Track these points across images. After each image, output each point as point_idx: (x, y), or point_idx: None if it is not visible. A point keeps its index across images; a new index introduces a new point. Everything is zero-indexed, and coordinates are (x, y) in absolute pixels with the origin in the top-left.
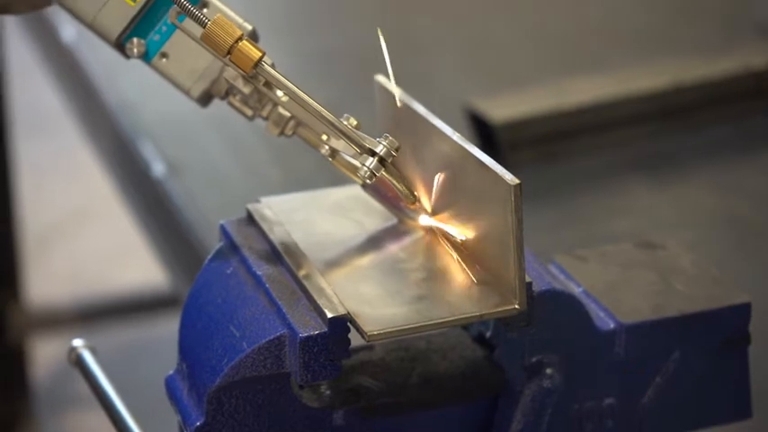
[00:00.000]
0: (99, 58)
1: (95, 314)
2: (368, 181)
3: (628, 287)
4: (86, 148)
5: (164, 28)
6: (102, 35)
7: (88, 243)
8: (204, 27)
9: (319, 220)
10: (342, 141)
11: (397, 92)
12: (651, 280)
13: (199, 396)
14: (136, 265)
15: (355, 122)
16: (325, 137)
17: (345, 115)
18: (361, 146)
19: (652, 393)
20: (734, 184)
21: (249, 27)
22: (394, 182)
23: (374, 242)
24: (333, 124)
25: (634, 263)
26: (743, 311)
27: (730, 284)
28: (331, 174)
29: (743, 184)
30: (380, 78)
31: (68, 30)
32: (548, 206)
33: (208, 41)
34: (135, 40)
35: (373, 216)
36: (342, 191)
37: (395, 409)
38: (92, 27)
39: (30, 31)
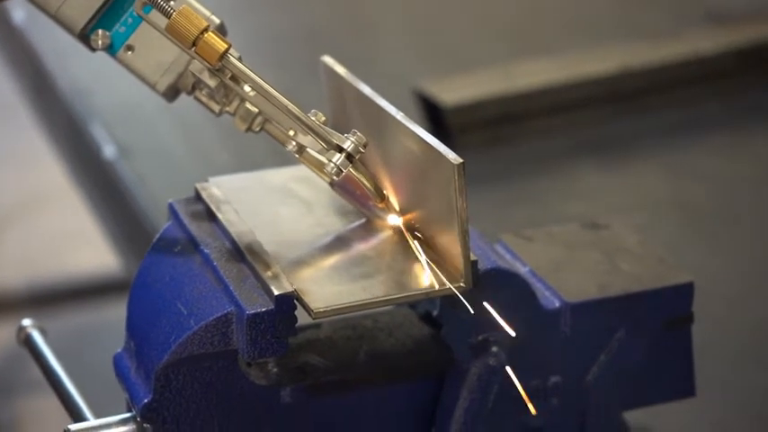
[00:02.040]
0: (50, 41)
1: (47, 298)
2: (335, 177)
3: (573, 267)
4: (38, 131)
5: (129, 20)
6: (67, 26)
7: (40, 227)
8: (169, 18)
9: (267, 199)
10: (309, 137)
11: (342, 72)
12: (596, 260)
13: (146, 373)
14: (88, 248)
15: (323, 118)
16: (292, 132)
17: (313, 111)
18: (328, 141)
19: (597, 371)
20: (683, 168)
21: (217, 20)
22: (362, 179)
23: (321, 221)
24: (299, 119)
25: (580, 243)
26: (686, 291)
27: (674, 264)
28: (281, 157)
29: (692, 167)
30: (327, 59)
31: (19, 12)
32: (497, 189)
33: (172, 32)
34: (100, 31)
35: (321, 196)
36: (289, 171)
37: (342, 387)
38: (56, 18)
39: None
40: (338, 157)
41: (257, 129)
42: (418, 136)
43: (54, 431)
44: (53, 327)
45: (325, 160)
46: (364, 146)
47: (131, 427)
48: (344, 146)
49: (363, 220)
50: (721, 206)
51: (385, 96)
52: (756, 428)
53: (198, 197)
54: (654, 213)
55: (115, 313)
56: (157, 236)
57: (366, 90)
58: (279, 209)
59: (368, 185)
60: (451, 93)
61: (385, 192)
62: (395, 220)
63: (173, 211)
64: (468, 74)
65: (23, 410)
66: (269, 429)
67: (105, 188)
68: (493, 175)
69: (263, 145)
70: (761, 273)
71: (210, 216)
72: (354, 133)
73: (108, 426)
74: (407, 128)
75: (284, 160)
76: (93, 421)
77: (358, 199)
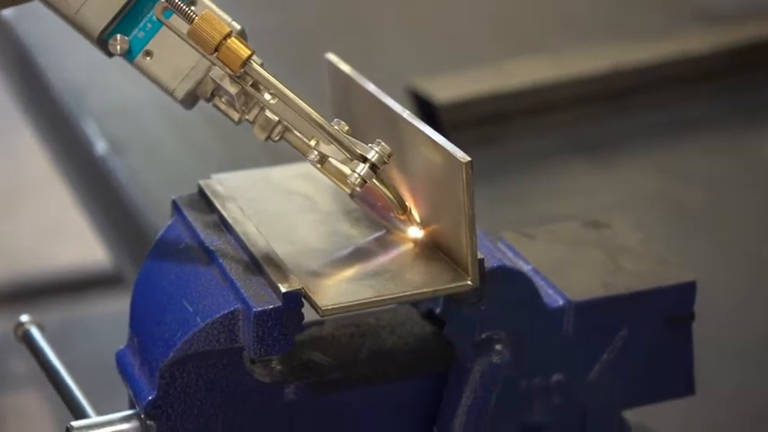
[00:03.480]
0: (41, 34)
1: (35, 292)
2: (357, 189)
3: (576, 265)
4: (26, 125)
5: (149, 25)
6: (85, 31)
7: (27, 221)
8: (191, 23)
9: (272, 196)
10: (332, 146)
11: (347, 70)
12: (599, 258)
13: (151, 371)
14: (76, 243)
15: (347, 127)
16: (314, 142)
17: (336, 120)
18: (352, 151)
19: (599, 370)
20: (673, 167)
21: (238, 27)
22: (385, 190)
23: (327, 218)
24: (323, 128)
25: (581, 241)
26: (688, 290)
27: (676, 263)
28: (274, 154)
29: (682, 166)
30: (331, 56)
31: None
32: (489, 187)
33: (195, 38)
34: (118, 36)
35: (325, 193)
36: (293, 168)
37: (345, 384)
38: (74, 22)
39: None
40: (362, 168)
41: (277, 138)
42: (425, 134)
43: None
44: (42, 321)
45: (348, 170)
46: (389, 156)
47: (135, 423)
48: (369, 156)
49: (369, 219)
50: (711, 205)
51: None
52: (755, 428)
53: (201, 194)
54: (644, 212)
55: (104, 308)
56: (161, 233)
57: (371, 88)
58: (284, 206)
59: (391, 197)
60: (444, 90)
61: (407, 203)
62: (416, 232)
63: (176, 208)
64: (460, 71)
65: (5, 406)
66: (273, 426)
67: (96, 183)
68: (484, 173)
69: (256, 141)
70: (752, 272)
71: (215, 213)
72: (379, 143)
73: (111, 423)
74: (414, 126)
75: (276, 156)
76: (95, 418)
77: (378, 210)
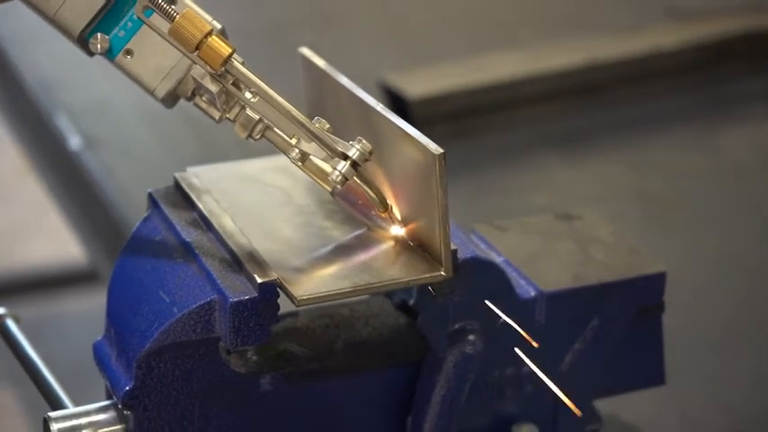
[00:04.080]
0: (14, 30)
1: (9, 287)
2: (338, 186)
3: (547, 257)
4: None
5: (129, 24)
6: (65, 30)
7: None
8: (172, 21)
9: (247, 188)
10: (313, 144)
11: (321, 64)
12: (570, 250)
13: (128, 361)
14: (50, 239)
15: (327, 125)
16: (294, 140)
17: (317, 118)
18: (333, 149)
19: (570, 360)
20: (645, 161)
21: (219, 26)
22: (366, 188)
23: (301, 210)
24: (304, 125)
25: (553, 233)
26: (658, 280)
27: (646, 254)
28: (247, 149)
29: (654, 160)
30: (305, 51)
31: None
32: (463, 181)
33: (175, 36)
34: (99, 35)
35: (300, 186)
36: (268, 161)
37: (320, 375)
38: (54, 21)
39: None
40: (343, 165)
41: (258, 136)
42: (399, 127)
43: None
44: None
45: (329, 168)
46: (370, 153)
47: (112, 414)
48: (350, 154)
49: (344, 210)
50: (683, 197)
51: None
52: (723, 416)
53: (177, 187)
54: (617, 204)
55: (79, 305)
56: (137, 225)
57: (345, 81)
58: (259, 198)
59: (372, 194)
60: (417, 85)
61: (388, 201)
62: (397, 230)
63: (152, 201)
64: (433, 66)
65: None
66: (249, 416)
67: (70, 179)
68: (458, 168)
69: (229, 136)
70: (722, 263)
71: (191, 205)
72: (360, 141)
73: (88, 413)
74: (387, 119)
75: (250, 151)
76: (73, 409)
77: (360, 208)
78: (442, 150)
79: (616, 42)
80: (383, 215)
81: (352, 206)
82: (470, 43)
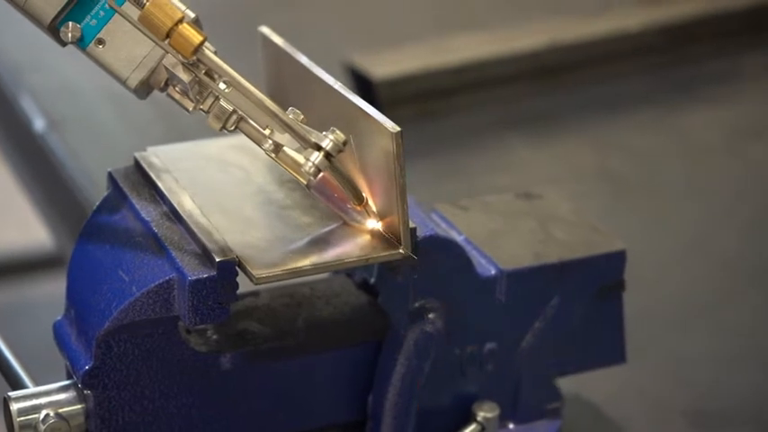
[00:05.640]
0: None
1: None
2: (312, 178)
3: (508, 235)
4: None
5: (101, 12)
6: (36, 18)
7: None
8: (142, 9)
9: (206, 168)
10: (286, 135)
11: (279, 42)
12: (531, 228)
13: (87, 341)
14: (15, 222)
15: (302, 116)
16: (268, 131)
17: (290, 108)
18: (306, 140)
19: (531, 338)
20: (609, 142)
21: (192, 15)
22: (340, 180)
23: (261, 189)
24: (276, 116)
25: (514, 212)
26: (618, 258)
27: (606, 232)
28: (213, 130)
29: (618, 141)
30: (264, 29)
31: None
32: (428, 162)
33: (146, 23)
34: (70, 24)
35: (260, 164)
36: (229, 140)
37: (281, 354)
38: (24, 10)
39: None
40: (316, 156)
41: (232, 128)
42: (356, 105)
43: None
44: None
45: (302, 159)
46: (344, 144)
47: (72, 393)
48: (323, 144)
49: (303, 189)
50: (646, 178)
51: None
52: (683, 394)
53: (137, 166)
54: (581, 186)
55: (44, 289)
56: (97, 204)
57: (303, 60)
58: (219, 177)
59: (346, 186)
60: (381, 66)
61: (364, 195)
62: (373, 224)
63: (112, 180)
64: (399, 48)
65: None
66: (209, 395)
67: (35, 162)
68: (422, 149)
69: (195, 118)
70: (685, 243)
71: (150, 184)
72: (333, 131)
73: (48, 393)
74: (346, 98)
75: (216, 134)
76: (33, 389)
77: (335, 202)
78: (398, 128)
79: (581, 24)
80: (359, 208)
81: (329, 200)
82: (436, 25)
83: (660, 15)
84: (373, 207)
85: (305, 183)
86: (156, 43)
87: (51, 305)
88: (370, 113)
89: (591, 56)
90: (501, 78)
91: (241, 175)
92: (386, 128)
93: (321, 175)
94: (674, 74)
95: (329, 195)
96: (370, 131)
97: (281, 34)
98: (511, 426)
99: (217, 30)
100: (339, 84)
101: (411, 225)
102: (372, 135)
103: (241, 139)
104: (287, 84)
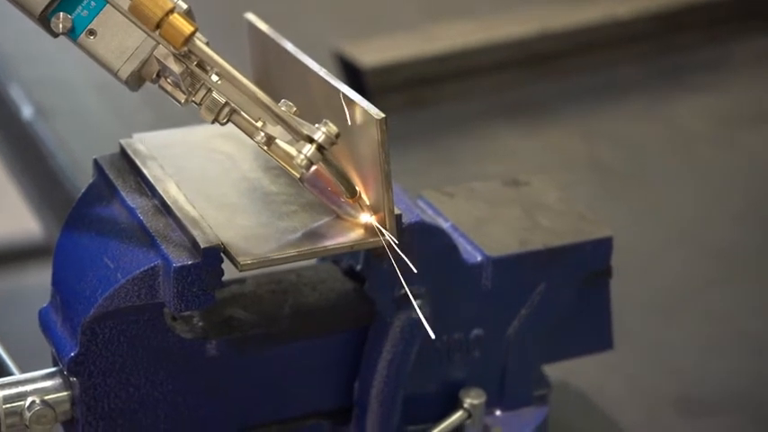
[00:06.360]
0: None
1: None
2: (304, 171)
3: (495, 222)
4: None
5: (92, 3)
6: (27, 9)
7: None
8: None
9: (192, 155)
10: (278, 128)
11: (265, 29)
12: (517, 215)
13: (73, 327)
14: (3, 211)
15: (294, 108)
16: (260, 123)
17: (283, 100)
18: (298, 132)
19: (518, 325)
20: (599, 130)
21: (184, 5)
22: (333, 173)
23: (247, 176)
24: (269, 108)
25: (501, 199)
26: (605, 245)
27: (593, 219)
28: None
29: (608, 129)
30: (250, 16)
31: None
32: (416, 150)
33: (136, 13)
34: (61, 14)
35: (246, 151)
36: (215, 127)
37: (267, 340)
38: (15, 0)
39: None
40: (308, 149)
41: (224, 120)
42: (341, 92)
43: None
44: None
45: (294, 152)
46: (336, 136)
47: (58, 380)
48: (315, 137)
49: (288, 175)
50: (635, 166)
51: None
52: (670, 381)
53: (123, 153)
54: (570, 174)
55: (32, 279)
56: (83, 191)
57: (289, 47)
58: (204, 164)
59: (339, 179)
60: (370, 54)
61: (357, 188)
62: (367, 218)
63: (98, 167)
64: (387, 36)
65: None
66: (195, 382)
67: (24, 151)
68: (411, 137)
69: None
70: (674, 231)
71: (136, 172)
72: (326, 123)
73: (34, 380)
74: (331, 85)
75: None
76: (19, 375)
77: (328, 195)
78: (383, 115)
79: (570, 12)
80: (351, 202)
81: (323, 194)
82: (425, 12)
83: (650, 3)
84: (366, 201)
85: (298, 176)
86: (147, 34)
87: (39, 293)
88: (356, 100)
89: (580, 44)
90: (490, 66)
91: (227, 162)
92: (370, 114)
93: (314, 168)
94: (664, 62)
95: (322, 188)
96: (355, 119)
97: (270, 22)
98: (498, 412)
99: (208, 20)
100: (324, 70)
101: (396, 211)
102: (358, 122)
103: (228, 126)
104: (273, 70)
